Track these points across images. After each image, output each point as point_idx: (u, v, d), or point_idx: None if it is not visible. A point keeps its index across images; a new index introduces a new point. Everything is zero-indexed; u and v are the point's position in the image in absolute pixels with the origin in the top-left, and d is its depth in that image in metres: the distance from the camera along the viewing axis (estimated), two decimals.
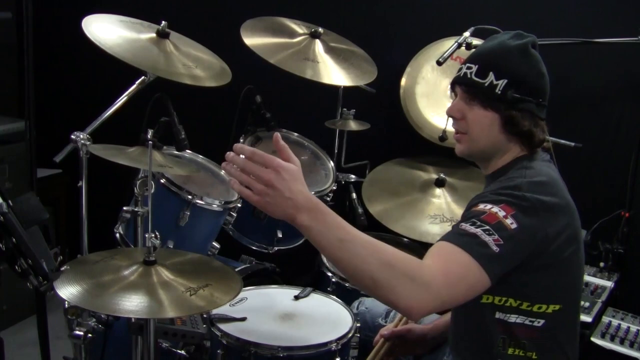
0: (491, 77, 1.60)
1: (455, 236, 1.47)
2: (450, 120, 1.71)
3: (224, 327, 1.92)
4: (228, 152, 1.40)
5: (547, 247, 1.50)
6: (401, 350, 1.95)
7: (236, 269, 2.41)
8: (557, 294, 1.58)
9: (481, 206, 1.50)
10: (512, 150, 1.65)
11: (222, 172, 2.55)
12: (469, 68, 1.63)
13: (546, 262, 1.52)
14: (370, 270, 1.36)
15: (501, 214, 1.46)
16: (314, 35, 2.77)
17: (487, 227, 1.44)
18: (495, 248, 1.42)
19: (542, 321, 1.57)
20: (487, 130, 1.62)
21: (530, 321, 1.57)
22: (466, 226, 1.46)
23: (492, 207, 1.47)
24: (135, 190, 1.86)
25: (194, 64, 2.28)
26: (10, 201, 1.33)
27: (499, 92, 1.59)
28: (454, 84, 1.69)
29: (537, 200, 1.49)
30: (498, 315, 1.58)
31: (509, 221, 1.45)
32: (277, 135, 1.41)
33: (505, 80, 1.59)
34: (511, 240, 1.44)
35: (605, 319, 2.34)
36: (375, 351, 1.92)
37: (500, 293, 1.55)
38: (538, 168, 1.60)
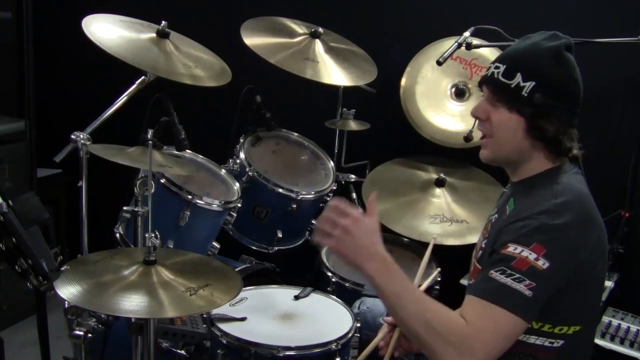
0: (518, 78, 1.53)
1: (486, 288, 1.45)
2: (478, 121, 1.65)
3: (224, 327, 1.92)
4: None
5: (580, 270, 1.48)
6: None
7: (236, 269, 2.41)
8: (580, 315, 1.55)
9: (511, 248, 1.45)
10: (538, 158, 1.59)
11: (222, 172, 2.55)
12: (496, 68, 1.57)
13: (576, 284, 1.50)
14: (417, 329, 1.42)
15: (532, 257, 1.42)
16: (314, 35, 2.77)
17: (517, 275, 1.42)
18: (527, 293, 1.41)
19: (561, 342, 1.53)
20: (512, 134, 1.56)
21: (550, 342, 1.53)
22: (496, 275, 1.44)
23: (522, 251, 1.43)
24: (135, 190, 1.86)
25: (194, 63, 2.28)
26: (10, 201, 1.34)
27: (525, 95, 1.53)
28: (481, 84, 1.63)
29: (567, 224, 1.46)
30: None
31: (540, 262, 1.42)
32: (374, 195, 1.51)
33: (533, 83, 1.52)
34: (544, 279, 1.43)
35: (605, 319, 2.34)
36: (376, 341, 1.86)
37: None
38: (567, 182, 1.56)
